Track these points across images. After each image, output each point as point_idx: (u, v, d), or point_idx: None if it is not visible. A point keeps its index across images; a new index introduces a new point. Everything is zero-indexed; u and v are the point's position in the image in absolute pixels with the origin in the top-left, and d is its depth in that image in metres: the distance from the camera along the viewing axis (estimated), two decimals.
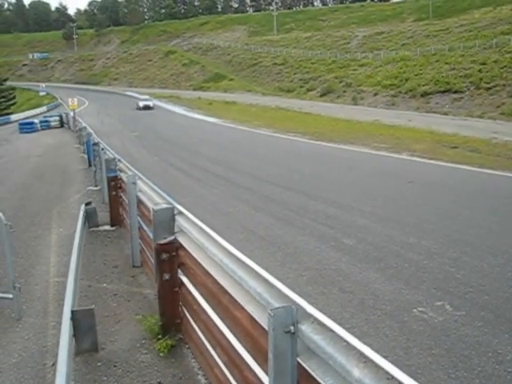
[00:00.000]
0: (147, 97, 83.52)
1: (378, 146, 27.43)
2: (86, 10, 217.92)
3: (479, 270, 9.07)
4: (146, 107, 74.53)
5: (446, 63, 73.23)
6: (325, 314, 7.00)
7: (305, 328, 3.12)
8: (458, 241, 10.92)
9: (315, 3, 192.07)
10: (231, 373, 4.46)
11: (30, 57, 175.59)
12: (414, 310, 7.47)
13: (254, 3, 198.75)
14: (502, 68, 64.48)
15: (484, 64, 67.54)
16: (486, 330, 6.88)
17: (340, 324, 6.84)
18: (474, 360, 6.15)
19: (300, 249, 10.70)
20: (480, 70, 66.37)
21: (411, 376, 5.77)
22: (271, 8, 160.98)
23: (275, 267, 9.30)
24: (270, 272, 8.20)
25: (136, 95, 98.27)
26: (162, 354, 6.35)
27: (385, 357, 5.94)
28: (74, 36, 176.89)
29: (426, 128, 38.18)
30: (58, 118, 60.25)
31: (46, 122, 59.45)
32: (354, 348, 2.74)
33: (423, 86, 68.79)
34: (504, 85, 60.65)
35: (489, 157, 23.94)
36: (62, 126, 58.36)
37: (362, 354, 2.68)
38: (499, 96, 59.32)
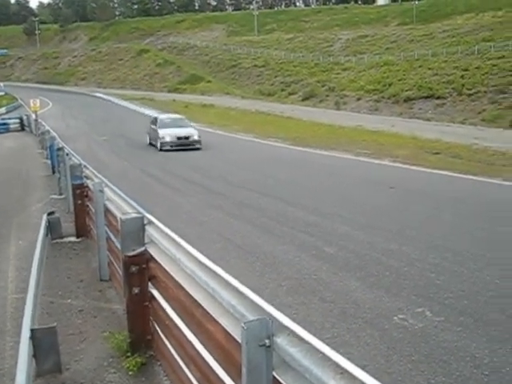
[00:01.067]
0: (177, 116, 39.83)
1: (360, 152, 27.53)
2: (49, 4, 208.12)
3: (459, 275, 9.20)
4: (184, 144, 32.76)
5: (429, 68, 73.93)
6: (305, 324, 6.98)
7: (280, 341, 3.07)
8: (438, 246, 11.03)
9: (297, 3, 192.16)
10: None
11: None
12: (395, 318, 7.53)
13: (233, 1, 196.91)
14: (483, 74, 65.58)
15: (466, 70, 68.48)
16: (464, 334, 7.00)
17: (321, 334, 6.81)
18: (452, 365, 6.26)
19: (279, 258, 10.66)
20: (462, 76, 67.25)
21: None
22: (251, 7, 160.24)
23: (254, 277, 9.26)
24: (248, 283, 8.00)
25: (106, 96, 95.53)
26: (131, 373, 6.17)
27: (366, 365, 5.98)
28: (37, 31, 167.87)
29: (409, 134, 38.38)
30: (18, 121, 56.98)
31: (4, 124, 56.15)
32: (329, 359, 2.72)
33: (406, 91, 69.37)
34: (485, 91, 61.71)
35: (470, 163, 24.33)
36: (22, 129, 55.15)
37: (338, 366, 2.65)
38: (480, 102, 60.35)
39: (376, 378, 2.81)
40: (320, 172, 22.90)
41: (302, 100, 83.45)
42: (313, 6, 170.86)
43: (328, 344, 2.89)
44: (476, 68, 67.85)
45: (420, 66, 76.35)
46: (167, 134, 31.77)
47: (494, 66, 66.31)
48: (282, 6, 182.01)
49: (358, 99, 74.56)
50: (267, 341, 3.11)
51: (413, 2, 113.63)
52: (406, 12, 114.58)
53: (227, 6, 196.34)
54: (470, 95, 62.84)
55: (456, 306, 7.87)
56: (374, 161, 24.79)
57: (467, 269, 9.49)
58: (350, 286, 8.95)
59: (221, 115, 62.49)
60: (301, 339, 2.95)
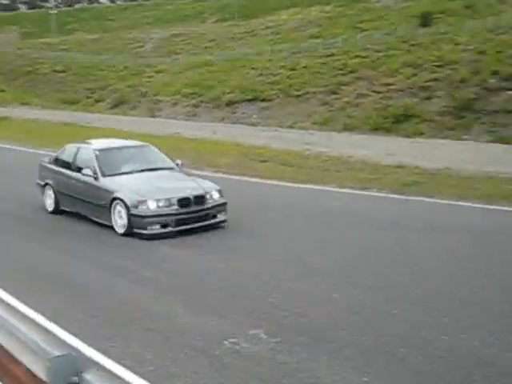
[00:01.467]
0: (132, 143, 20.11)
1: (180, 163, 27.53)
2: None
3: (293, 291, 9.59)
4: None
5: (253, 68, 74.90)
6: (124, 356, 6.96)
7: (90, 377, 3.07)
8: (267, 261, 11.46)
9: (102, 0, 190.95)
10: None
11: None
12: (226, 342, 7.60)
13: (27, 0, 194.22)
14: (312, 74, 66.64)
15: (293, 70, 69.56)
16: (303, 355, 7.17)
17: (143, 367, 6.88)
18: None
19: (93, 286, 10.58)
20: (289, 77, 68.26)
21: None
22: (48, 5, 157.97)
23: (62, 310, 9.01)
24: (55, 316, 8.01)
25: None
26: None
27: None
28: None
29: (232, 140, 38.71)
30: None
31: None
32: None
33: (228, 93, 69.69)
34: (315, 92, 62.66)
35: (301, 169, 24.85)
36: None
37: None
38: (310, 104, 61.25)
39: None
40: None
41: (111, 108, 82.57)
42: (118, 3, 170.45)
43: (150, 378, 2.87)
44: (304, 67, 68.81)
45: (243, 66, 77.15)
46: (150, 194, 14.60)
47: (324, 64, 67.65)
48: (85, 4, 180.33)
49: (175, 104, 74.50)
50: (75, 378, 3.05)
51: None
52: (225, 7, 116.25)
53: (20, 5, 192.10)
54: (298, 96, 63.62)
55: (293, 326, 8.08)
56: (194, 171, 24.90)
57: (303, 284, 9.86)
58: (174, 311, 9.04)
59: (18, 128, 60.87)
60: (112, 375, 2.93)
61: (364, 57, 64.95)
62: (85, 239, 14.27)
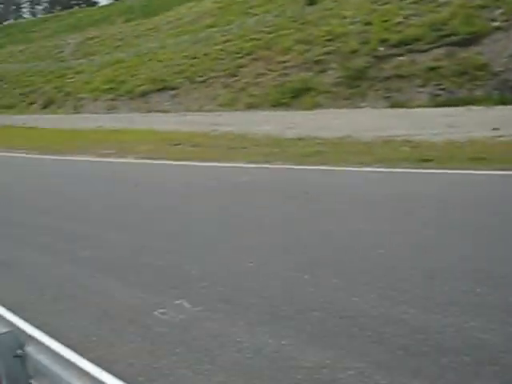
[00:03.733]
0: None
1: (103, 153, 27.16)
2: None
3: (208, 263, 9.59)
4: None
5: (159, 61, 74.09)
6: (67, 328, 7.08)
7: (31, 350, 3.24)
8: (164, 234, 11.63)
9: (25, 16, 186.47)
10: None
11: None
12: (155, 313, 7.65)
13: None
14: (212, 60, 66.02)
15: (195, 58, 68.83)
16: (225, 321, 7.21)
17: (84, 337, 6.96)
18: (215, 352, 6.45)
19: (38, 268, 10.52)
20: (192, 65, 67.70)
21: (160, 379, 6.02)
22: None
23: (12, 292, 9.00)
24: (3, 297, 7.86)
25: None
26: None
27: (131, 364, 6.25)
28: None
29: (149, 128, 38.37)
30: None
31: None
32: (75, 364, 2.86)
33: (140, 86, 68.86)
34: (216, 76, 62.14)
35: (210, 149, 24.66)
36: None
37: (82, 370, 2.81)
38: (214, 88, 60.73)
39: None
40: (60, 178, 22.43)
41: (42, 108, 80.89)
42: (39, 16, 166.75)
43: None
44: (205, 55, 68.04)
45: (150, 60, 76.26)
46: None
47: (222, 50, 66.91)
48: (12, 20, 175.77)
49: (95, 100, 73.33)
50: (20, 351, 3.22)
51: None
52: (129, 9, 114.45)
53: None
54: (202, 82, 63.07)
55: (213, 295, 8.11)
56: (119, 160, 24.71)
57: (217, 255, 9.95)
58: (108, 286, 9.09)
59: None
60: (48, 347, 3.07)
61: (258, 39, 64.19)
62: None
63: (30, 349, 3.17)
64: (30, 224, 14.56)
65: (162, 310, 7.70)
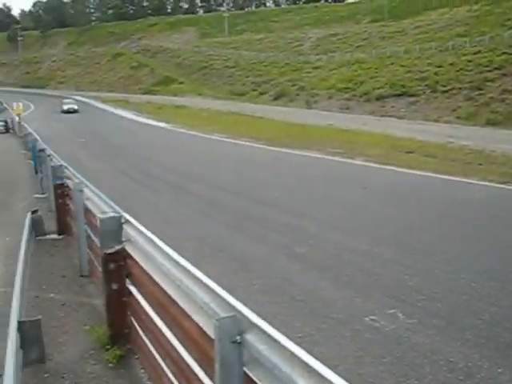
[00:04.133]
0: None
1: (333, 151, 27.54)
2: (30, 11, 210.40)
3: (432, 278, 9.24)
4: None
5: (402, 66, 73.79)
6: (276, 322, 7.15)
7: (250, 338, 3.21)
8: (410, 248, 11.14)
9: (268, 4, 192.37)
10: (180, 383, 4.50)
11: None
12: (366, 319, 7.57)
13: (204, 4, 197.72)
14: (458, 71, 64.76)
15: (440, 67, 67.91)
16: (437, 338, 7.00)
17: (292, 333, 6.81)
18: (425, 368, 6.26)
19: (252, 257, 10.83)
20: (436, 73, 66.78)
21: None
22: (222, 9, 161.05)
23: (226, 276, 9.28)
24: (220, 281, 8.11)
25: (83, 99, 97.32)
26: (110, 365, 6.34)
27: (336, 366, 6.05)
28: (19, 38, 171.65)
29: (381, 132, 38.35)
30: (3, 123, 58.40)
31: None
32: (298, 358, 2.82)
33: (378, 89, 69.01)
34: (460, 88, 60.94)
35: (444, 162, 24.17)
36: (7, 131, 56.58)
37: (306, 364, 2.75)
38: (455, 99, 59.63)
39: (347, 379, 2.96)
40: (293, 172, 22.95)
41: (273, 100, 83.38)
42: (283, 6, 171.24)
43: (299, 343, 3.02)
44: (450, 64, 67.10)
45: (392, 63, 76.19)
46: None
47: (470, 61, 65.61)
48: (253, 7, 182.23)
49: (329, 98, 74.31)
50: (238, 337, 3.24)
51: None
52: (377, 9, 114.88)
53: (198, 9, 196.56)
54: (444, 92, 61.93)
55: (429, 309, 7.91)
56: (347, 160, 24.83)
57: (440, 271, 9.57)
58: (321, 285, 9.08)
59: (194, 116, 62.55)
60: (269, 337, 3.06)
61: (511, 54, 62.45)
62: None
63: (249, 336, 3.22)
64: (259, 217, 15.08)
65: (373, 317, 7.61)
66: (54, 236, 12.97)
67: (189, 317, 4.05)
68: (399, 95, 65.84)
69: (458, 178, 19.75)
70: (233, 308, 3.40)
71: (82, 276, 9.83)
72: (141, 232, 5.85)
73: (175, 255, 4.75)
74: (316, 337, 7.16)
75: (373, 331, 7.24)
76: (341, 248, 11.18)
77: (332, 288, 8.95)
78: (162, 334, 4.89)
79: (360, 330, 7.31)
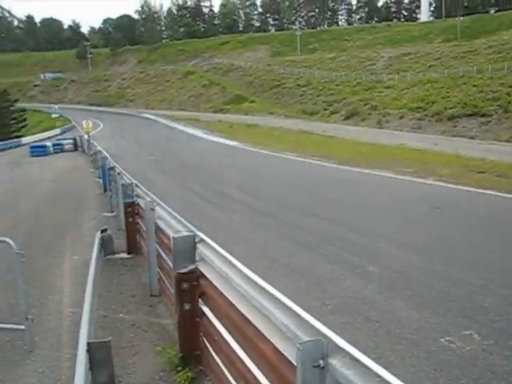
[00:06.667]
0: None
1: (404, 171, 27.22)
2: (100, 28, 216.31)
3: (507, 298, 9.06)
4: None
5: (474, 86, 73.01)
6: (350, 343, 7.03)
7: (335, 362, 3.11)
8: (485, 268, 10.89)
9: (340, 23, 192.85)
10: None
11: (42, 77, 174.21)
12: (442, 340, 7.46)
13: (276, 22, 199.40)
14: None
15: None
16: None
17: (366, 354, 6.76)
18: None
19: (324, 277, 10.73)
20: (508, 93, 66.01)
21: None
22: (294, 27, 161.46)
23: (298, 296, 9.22)
24: (293, 301, 8.11)
25: (153, 117, 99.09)
26: None
27: None
28: (88, 55, 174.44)
29: (453, 152, 37.79)
30: (71, 141, 60.35)
31: (58, 145, 59.64)
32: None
33: (450, 109, 68.42)
34: None
35: None
36: (76, 149, 58.13)
37: None
38: None
39: None
40: (364, 191, 22.73)
41: (345, 119, 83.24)
42: (355, 25, 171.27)
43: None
44: None
45: (464, 83, 75.44)
46: None
47: None
48: (325, 26, 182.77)
49: (401, 117, 73.94)
50: (322, 362, 3.15)
51: (457, 19, 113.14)
52: (449, 29, 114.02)
53: (270, 27, 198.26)
54: None
55: (505, 330, 7.75)
56: (418, 180, 24.49)
57: None
58: (395, 305, 8.96)
59: (265, 135, 62.73)
60: (356, 361, 2.96)
61: None
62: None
63: (332, 360, 3.12)
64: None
65: (448, 338, 7.49)
66: (124, 255, 13.14)
67: (266, 339, 3.98)
68: (471, 115, 65.19)
69: None
70: (315, 330, 3.33)
71: (151, 296, 9.88)
72: (215, 251, 5.82)
73: (252, 275, 4.71)
74: (391, 358, 7.06)
75: (448, 352, 7.12)
76: (413, 268, 11.02)
77: (406, 308, 8.80)
78: (237, 356, 4.82)
79: (435, 351, 7.19)
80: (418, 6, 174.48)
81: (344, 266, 11.36)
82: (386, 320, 8.35)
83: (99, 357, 5.99)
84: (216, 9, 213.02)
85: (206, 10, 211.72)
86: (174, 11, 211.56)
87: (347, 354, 3.05)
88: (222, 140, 58.35)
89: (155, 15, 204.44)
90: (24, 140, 75.46)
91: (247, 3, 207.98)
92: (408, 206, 18.87)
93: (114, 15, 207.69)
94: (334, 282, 10.35)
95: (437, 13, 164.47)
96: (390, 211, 18.04)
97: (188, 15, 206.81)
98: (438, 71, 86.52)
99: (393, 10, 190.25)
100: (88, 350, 5.67)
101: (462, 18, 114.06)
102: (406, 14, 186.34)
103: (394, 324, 8.19)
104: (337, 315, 8.64)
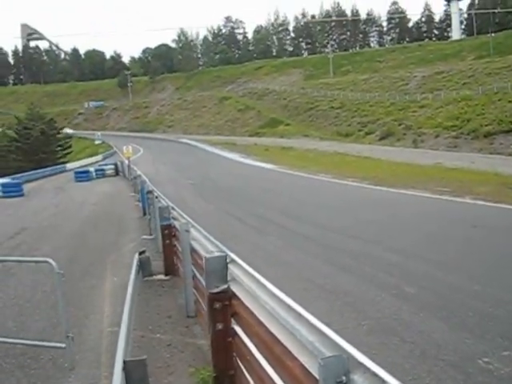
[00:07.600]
0: None
1: (440, 190, 27.01)
2: (140, 58, 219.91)
3: None
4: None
5: (510, 101, 72.45)
6: (385, 364, 6.93)
7: (357, 378, 3.06)
8: None
9: (372, 44, 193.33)
10: None
11: (86, 105, 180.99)
12: (479, 361, 7.23)
13: (309, 46, 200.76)
14: None
15: None
16: None
17: (402, 375, 6.68)
18: None
19: (359, 297, 10.61)
20: None
21: None
22: (326, 50, 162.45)
23: (334, 317, 9.19)
24: (328, 322, 8.02)
25: (190, 142, 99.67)
26: None
27: None
28: (129, 84, 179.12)
29: (490, 170, 37.47)
30: (113, 167, 61.88)
31: (101, 170, 61.08)
32: None
33: (486, 126, 67.90)
34: None
35: None
36: (117, 174, 59.54)
37: None
38: None
39: None
40: (401, 212, 22.62)
41: (380, 139, 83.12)
42: (387, 46, 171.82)
43: None
44: None
45: (499, 100, 74.95)
46: None
47: None
48: (357, 48, 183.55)
49: (436, 136, 73.61)
50: (344, 377, 3.09)
51: (489, 35, 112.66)
52: (481, 45, 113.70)
53: (303, 51, 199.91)
54: None
55: None
56: (455, 199, 24.27)
57: None
58: (432, 326, 8.77)
59: (300, 157, 63.03)
60: (378, 378, 2.93)
61: None
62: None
63: (355, 376, 3.09)
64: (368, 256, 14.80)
65: (486, 359, 7.26)
66: (161, 276, 13.26)
67: (293, 356, 3.94)
68: (508, 132, 64.55)
69: None
70: (338, 347, 3.29)
71: (188, 317, 9.90)
72: (246, 272, 5.81)
73: (281, 294, 4.67)
74: (427, 380, 6.87)
75: (486, 374, 6.90)
76: (451, 288, 10.81)
77: (442, 329, 8.61)
78: (267, 375, 4.76)
79: (473, 372, 6.97)
80: (449, 25, 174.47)
81: (380, 287, 11.16)
82: (421, 341, 8.16)
83: (135, 375, 5.96)
84: (250, 35, 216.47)
85: (240, 37, 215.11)
86: (210, 39, 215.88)
87: (368, 370, 3.00)
88: (258, 163, 58.75)
89: (191, 43, 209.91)
90: (69, 166, 76.88)
91: (280, 29, 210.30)
92: (445, 225, 18.65)
93: (153, 45, 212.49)
94: (370, 303, 10.19)
95: (468, 30, 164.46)
96: (426, 231, 17.78)
97: (223, 42, 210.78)
98: (472, 88, 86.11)
99: (424, 29, 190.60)
100: (124, 369, 5.65)
101: (494, 35, 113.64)
102: (437, 32, 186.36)
103: (430, 345, 8.00)
104: (372, 336, 8.51)
